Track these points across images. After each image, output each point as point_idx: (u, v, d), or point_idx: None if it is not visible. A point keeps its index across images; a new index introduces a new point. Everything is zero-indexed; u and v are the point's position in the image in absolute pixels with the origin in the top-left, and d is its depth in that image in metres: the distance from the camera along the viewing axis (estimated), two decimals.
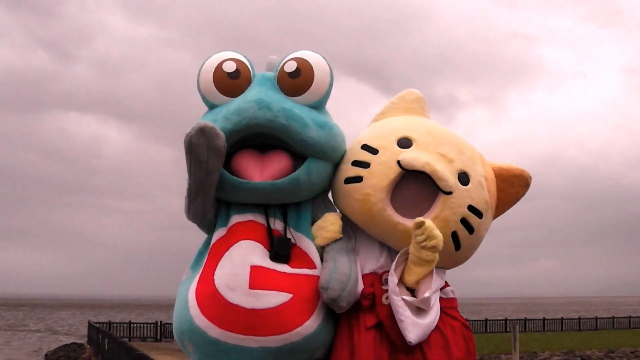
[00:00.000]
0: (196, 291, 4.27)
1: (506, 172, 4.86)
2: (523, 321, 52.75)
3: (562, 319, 57.48)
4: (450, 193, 4.41)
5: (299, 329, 4.15)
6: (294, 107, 4.42)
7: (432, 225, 4.21)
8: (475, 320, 49.89)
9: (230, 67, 4.57)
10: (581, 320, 57.24)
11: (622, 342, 38.70)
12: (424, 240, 4.17)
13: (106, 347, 28.43)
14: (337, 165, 4.68)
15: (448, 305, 4.60)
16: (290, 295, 4.17)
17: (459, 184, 4.47)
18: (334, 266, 4.32)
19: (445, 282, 4.69)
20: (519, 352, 19.20)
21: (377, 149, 4.60)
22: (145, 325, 47.99)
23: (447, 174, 4.42)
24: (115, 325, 45.28)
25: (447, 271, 4.75)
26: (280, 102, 4.40)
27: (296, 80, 4.51)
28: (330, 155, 4.55)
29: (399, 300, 4.29)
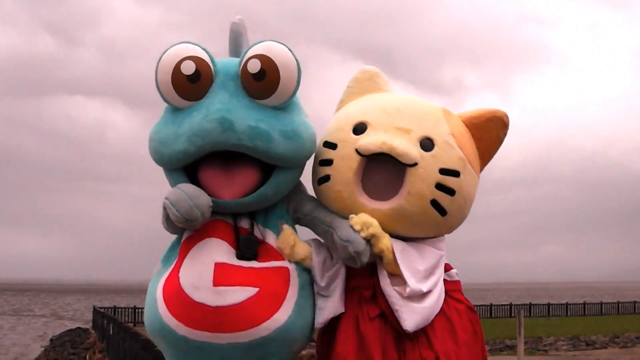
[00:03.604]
0: (163, 289, 4.26)
1: (477, 119, 4.70)
2: (528, 306, 52.81)
3: (567, 304, 57.57)
4: (415, 164, 4.33)
5: (266, 323, 4.11)
6: (259, 121, 4.21)
7: (361, 215, 4.29)
8: (480, 306, 49.76)
9: (189, 68, 4.23)
10: (586, 306, 57.31)
11: (627, 327, 38.66)
12: (361, 229, 4.23)
13: (111, 332, 28.44)
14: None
15: (453, 288, 4.58)
16: (256, 290, 4.13)
17: (423, 152, 4.38)
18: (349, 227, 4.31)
19: (448, 264, 4.66)
20: (523, 337, 19.19)
21: (336, 143, 4.58)
22: None
23: (405, 147, 4.33)
24: (120, 310, 45.30)
25: (451, 257, 4.70)
26: (245, 118, 4.19)
27: (261, 83, 4.24)
28: (299, 163, 4.47)
29: (391, 290, 4.31)
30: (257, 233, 4.41)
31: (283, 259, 4.35)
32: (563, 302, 59.59)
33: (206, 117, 4.17)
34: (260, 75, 4.21)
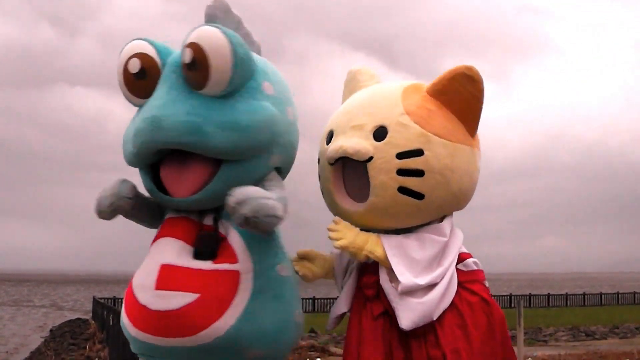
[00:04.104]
0: (127, 289, 4.27)
1: (439, 84, 4.47)
2: (528, 297, 52.69)
3: (566, 294, 57.38)
4: (370, 159, 4.29)
5: (206, 331, 3.99)
6: (191, 115, 4.04)
7: (335, 233, 4.31)
8: None
9: (134, 66, 4.19)
10: (586, 296, 57.14)
11: (626, 317, 38.62)
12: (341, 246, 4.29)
13: (111, 323, 28.41)
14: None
15: (468, 279, 4.46)
16: (197, 296, 4.00)
17: (376, 142, 4.32)
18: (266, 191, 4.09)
19: (467, 253, 4.56)
20: (523, 328, 19.13)
21: (319, 157, 4.68)
22: None
23: (355, 145, 4.31)
24: (120, 300, 45.07)
25: (466, 243, 4.61)
26: (175, 113, 4.04)
27: (195, 73, 4.07)
28: (246, 154, 4.21)
29: (389, 287, 4.28)
30: (222, 229, 4.28)
31: (236, 262, 4.16)
32: (563, 293, 59.32)
33: (142, 116, 4.12)
34: (192, 64, 4.05)
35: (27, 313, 60.23)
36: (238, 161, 4.19)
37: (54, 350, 31.45)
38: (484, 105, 4.48)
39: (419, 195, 4.31)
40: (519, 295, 49.77)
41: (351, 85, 4.95)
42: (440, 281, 4.28)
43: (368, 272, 4.45)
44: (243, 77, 4.18)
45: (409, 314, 4.18)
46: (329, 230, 4.33)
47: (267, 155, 4.34)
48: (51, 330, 41.33)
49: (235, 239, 4.23)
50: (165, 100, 4.11)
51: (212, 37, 4.02)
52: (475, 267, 4.55)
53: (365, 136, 4.37)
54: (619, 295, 58.82)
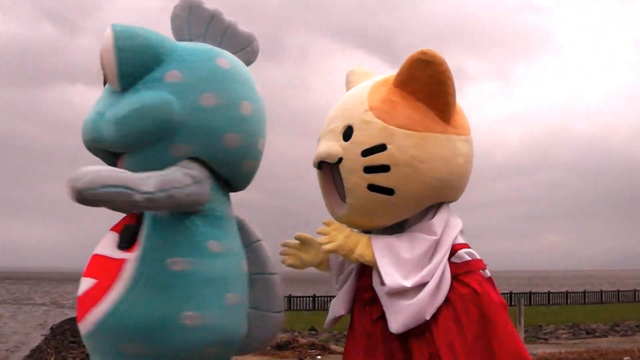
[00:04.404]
0: None
1: (400, 75, 4.33)
2: (528, 295, 52.66)
3: (567, 292, 57.31)
4: (340, 160, 4.29)
5: (88, 316, 3.98)
6: (97, 114, 4.15)
7: (322, 238, 4.30)
8: None
9: (101, 77, 4.36)
10: (586, 294, 57.08)
11: (627, 315, 38.64)
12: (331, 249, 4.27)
13: None
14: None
15: (462, 271, 4.29)
16: (95, 281, 4.02)
17: (345, 143, 4.31)
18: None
19: (461, 243, 4.39)
20: (523, 326, 19.16)
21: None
22: None
23: (327, 148, 4.35)
24: None
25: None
26: (89, 114, 4.22)
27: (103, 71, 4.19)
28: (136, 144, 4.10)
29: (380, 290, 4.21)
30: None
31: (132, 251, 4.04)
32: (563, 291, 59.26)
33: None
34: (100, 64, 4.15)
35: (27, 311, 60.24)
36: (135, 153, 4.13)
37: (54, 348, 31.37)
38: (453, 86, 4.29)
39: (388, 191, 4.24)
40: (519, 293, 49.77)
41: (347, 87, 4.91)
42: (430, 279, 4.16)
43: (365, 275, 4.41)
44: (135, 69, 4.09)
45: (398, 317, 4.09)
46: (318, 233, 4.32)
47: (166, 145, 4.13)
48: (52, 328, 41.24)
49: (144, 230, 4.11)
50: (96, 102, 4.27)
51: (105, 35, 4.02)
52: (468, 258, 4.34)
53: (337, 138, 4.38)
54: (620, 293, 58.83)
